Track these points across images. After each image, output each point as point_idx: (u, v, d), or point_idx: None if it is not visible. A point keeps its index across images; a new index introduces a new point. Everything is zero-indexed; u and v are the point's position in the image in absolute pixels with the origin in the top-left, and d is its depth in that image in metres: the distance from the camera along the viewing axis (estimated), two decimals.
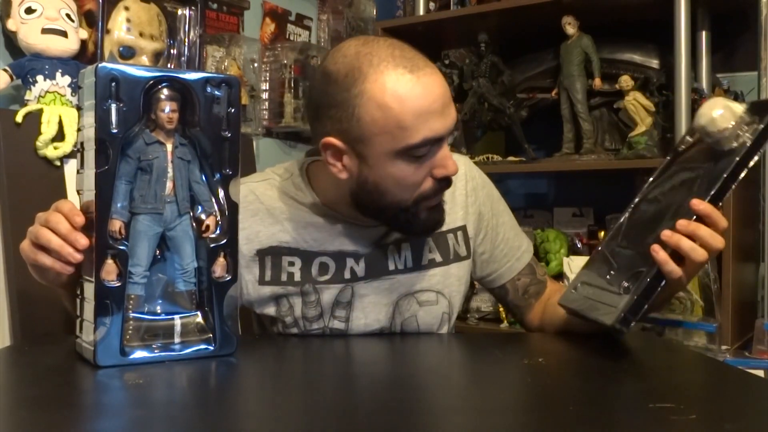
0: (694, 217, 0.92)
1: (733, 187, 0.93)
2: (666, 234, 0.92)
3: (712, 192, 0.92)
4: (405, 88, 0.96)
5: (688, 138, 1.06)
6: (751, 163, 0.92)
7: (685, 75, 1.66)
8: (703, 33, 1.82)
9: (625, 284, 0.95)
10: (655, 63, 1.86)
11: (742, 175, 0.92)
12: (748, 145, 0.92)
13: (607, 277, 1.00)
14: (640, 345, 1.09)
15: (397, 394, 0.81)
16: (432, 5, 2.13)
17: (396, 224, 1.08)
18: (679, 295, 1.64)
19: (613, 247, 1.05)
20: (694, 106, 1.67)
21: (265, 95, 2.09)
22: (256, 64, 2.01)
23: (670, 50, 1.70)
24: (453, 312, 1.18)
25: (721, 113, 0.96)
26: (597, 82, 1.84)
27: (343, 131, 0.99)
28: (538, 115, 2.06)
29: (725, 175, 0.92)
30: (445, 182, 1.04)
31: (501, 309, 1.91)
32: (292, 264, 1.09)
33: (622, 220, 1.07)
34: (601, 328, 0.96)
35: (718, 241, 0.93)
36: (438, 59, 2.09)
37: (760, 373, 1.42)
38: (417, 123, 0.96)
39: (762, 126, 0.92)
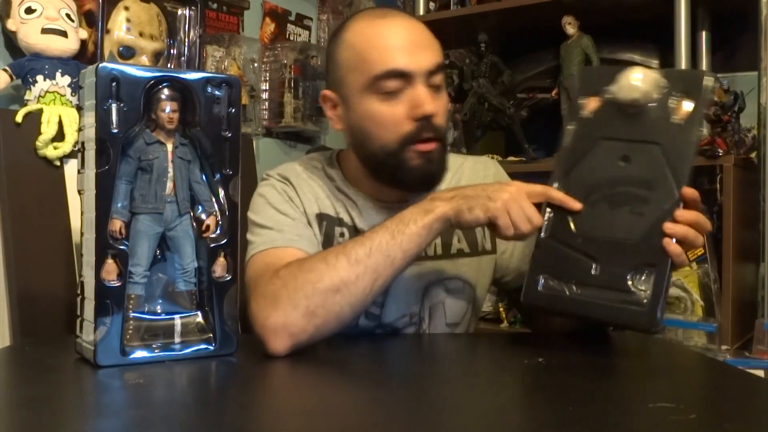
0: (681, 204, 0.92)
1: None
2: (669, 227, 0.91)
3: (686, 177, 0.93)
4: (372, 30, 1.07)
5: (582, 101, 1.02)
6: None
7: None
8: (703, 33, 1.82)
9: (632, 280, 0.93)
10: (655, 63, 1.86)
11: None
12: (697, 126, 0.94)
13: (592, 272, 0.95)
14: (640, 345, 1.09)
15: (397, 394, 0.81)
16: (432, 5, 2.13)
17: (388, 173, 1.09)
18: (679, 294, 1.64)
19: (572, 235, 0.98)
20: None
21: (265, 95, 2.09)
22: (256, 64, 2.01)
23: (670, 50, 1.70)
24: (477, 306, 1.20)
25: (651, 82, 0.97)
26: None
27: (331, 81, 1.12)
28: (538, 115, 2.06)
29: (691, 160, 0.93)
30: (428, 124, 1.05)
31: (501, 309, 1.91)
32: (342, 235, 1.12)
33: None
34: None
35: (707, 223, 0.94)
36: None
37: (760, 373, 1.42)
38: (379, 55, 1.04)
39: (703, 108, 0.94)
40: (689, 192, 0.92)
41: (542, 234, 1.00)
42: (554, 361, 0.93)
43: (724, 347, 1.56)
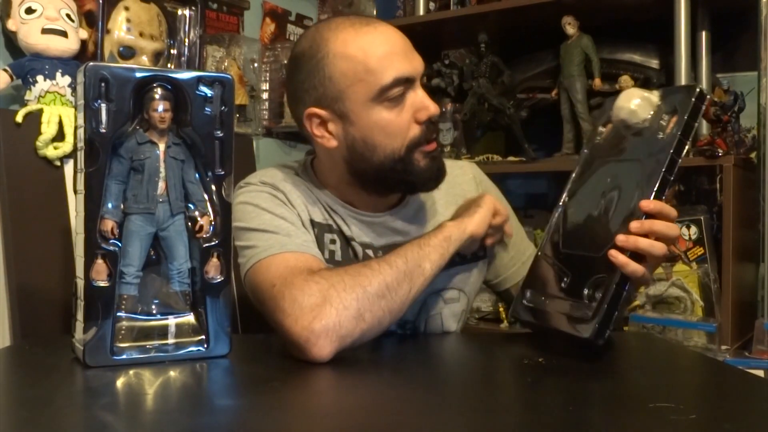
0: (644, 216, 0.91)
1: (672, 178, 0.92)
2: (621, 240, 0.90)
3: (655, 188, 0.91)
4: (365, 38, 1.03)
5: (601, 129, 1.05)
6: (683, 153, 0.92)
7: (685, 75, 1.66)
8: (703, 33, 1.82)
9: (588, 292, 0.93)
10: (655, 63, 1.86)
11: (677, 166, 0.92)
12: (678, 136, 0.92)
13: (562, 285, 0.98)
14: (640, 345, 1.09)
15: (396, 393, 0.81)
16: (432, 5, 2.13)
17: (396, 179, 1.07)
18: (679, 295, 1.64)
19: (557, 252, 1.02)
20: None
21: (265, 95, 2.09)
22: (256, 64, 2.00)
23: (670, 50, 1.70)
24: (468, 310, 1.21)
25: (640, 103, 0.98)
26: (597, 82, 1.84)
27: (320, 97, 1.05)
28: (538, 115, 2.06)
29: (663, 170, 0.91)
30: (432, 125, 1.06)
31: (501, 309, 1.91)
32: (333, 242, 1.10)
33: (555, 221, 1.05)
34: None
35: (673, 230, 0.92)
36: (438, 59, 2.09)
37: (760, 373, 1.42)
38: (383, 64, 1.02)
39: (686, 117, 0.92)
40: (646, 205, 0.90)
41: (539, 252, 1.05)
42: (554, 361, 0.93)
43: (724, 347, 1.56)
